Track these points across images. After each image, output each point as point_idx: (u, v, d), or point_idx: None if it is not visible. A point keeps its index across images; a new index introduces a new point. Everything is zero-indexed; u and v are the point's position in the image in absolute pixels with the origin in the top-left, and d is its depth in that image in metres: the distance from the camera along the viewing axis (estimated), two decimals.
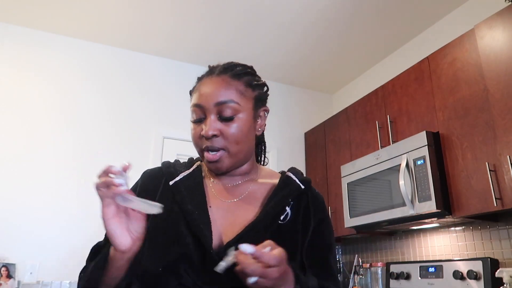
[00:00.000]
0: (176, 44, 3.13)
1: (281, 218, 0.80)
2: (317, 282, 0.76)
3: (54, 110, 2.83)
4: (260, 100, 0.88)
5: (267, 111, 0.91)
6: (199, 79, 0.86)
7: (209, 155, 0.80)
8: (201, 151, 0.82)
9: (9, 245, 2.45)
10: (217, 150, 0.79)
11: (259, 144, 0.99)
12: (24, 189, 2.59)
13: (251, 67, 0.90)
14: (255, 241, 0.73)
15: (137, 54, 3.23)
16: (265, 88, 0.92)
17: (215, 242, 0.75)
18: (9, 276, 2.34)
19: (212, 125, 0.78)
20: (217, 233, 0.77)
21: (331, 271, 0.84)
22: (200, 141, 0.81)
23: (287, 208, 0.81)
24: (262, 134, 0.96)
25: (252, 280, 0.59)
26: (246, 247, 0.59)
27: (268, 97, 0.95)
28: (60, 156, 2.75)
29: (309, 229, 0.82)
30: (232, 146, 0.80)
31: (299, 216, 0.82)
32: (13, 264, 2.39)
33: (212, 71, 0.85)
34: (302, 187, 0.85)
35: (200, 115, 0.81)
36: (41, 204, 2.59)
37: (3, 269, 2.34)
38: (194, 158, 0.95)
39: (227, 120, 0.79)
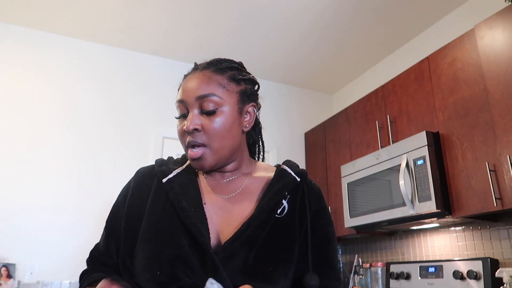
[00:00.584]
0: (176, 44, 3.13)
1: (278, 212, 0.79)
2: None
3: (54, 110, 2.83)
4: (246, 95, 0.84)
5: (256, 107, 0.87)
6: (185, 76, 0.86)
7: (191, 152, 0.78)
8: (185, 147, 0.81)
9: (9, 245, 2.45)
10: (199, 145, 0.78)
11: (255, 143, 0.95)
12: (24, 189, 2.59)
13: (239, 63, 0.89)
14: (253, 238, 0.73)
15: (137, 54, 3.23)
16: (254, 84, 0.89)
17: (212, 241, 0.74)
18: (9, 276, 2.34)
19: (193, 119, 0.77)
20: (214, 231, 0.76)
21: (330, 265, 0.82)
22: (183, 136, 0.80)
23: (284, 202, 0.80)
24: (259, 134, 0.94)
25: None
26: None
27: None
28: (60, 156, 2.76)
29: (305, 222, 0.81)
30: (214, 141, 0.78)
31: (296, 208, 0.81)
32: (13, 264, 2.39)
33: (196, 67, 0.85)
34: (298, 179, 0.84)
35: (184, 110, 0.80)
36: (41, 204, 2.59)
37: (3, 269, 2.34)
38: None
39: (209, 113, 0.78)
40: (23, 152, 2.66)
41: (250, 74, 0.89)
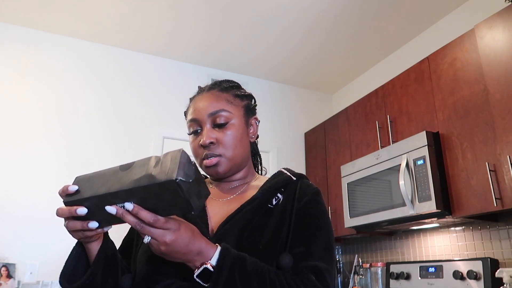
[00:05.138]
0: (177, 44, 3.13)
1: (273, 203, 0.84)
2: (270, 268, 0.73)
3: (55, 109, 2.83)
4: (249, 109, 0.95)
5: (257, 120, 0.98)
6: (191, 99, 0.95)
7: (207, 161, 0.86)
8: (200, 160, 0.88)
9: (9, 245, 2.45)
10: (215, 156, 0.86)
11: (255, 155, 1.04)
12: (24, 189, 2.59)
13: (237, 82, 0.99)
14: (243, 221, 0.79)
15: (137, 54, 3.23)
16: (252, 100, 0.99)
17: (210, 232, 0.81)
18: (9, 276, 2.34)
19: (208, 134, 0.85)
20: (212, 225, 0.83)
21: (309, 248, 0.79)
22: (199, 150, 0.88)
23: (279, 195, 0.85)
24: (257, 146, 1.03)
25: (145, 239, 0.63)
26: (128, 205, 0.61)
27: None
28: (60, 155, 2.76)
29: (293, 211, 0.84)
30: (228, 151, 0.86)
31: (289, 201, 0.85)
32: (13, 264, 2.39)
33: (202, 89, 0.95)
34: (294, 178, 0.89)
35: (196, 127, 0.89)
36: (41, 204, 2.59)
37: (3, 269, 2.34)
38: None
39: (221, 126, 0.87)
40: (23, 152, 2.66)
41: (247, 91, 0.99)
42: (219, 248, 0.69)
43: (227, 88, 0.92)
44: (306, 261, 0.76)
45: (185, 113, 0.95)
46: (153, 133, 3.08)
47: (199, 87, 0.97)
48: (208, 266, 0.66)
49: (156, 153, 3.02)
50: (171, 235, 0.63)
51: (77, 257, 0.76)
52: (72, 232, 0.69)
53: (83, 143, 2.85)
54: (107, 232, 0.77)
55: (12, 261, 2.40)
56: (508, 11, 1.91)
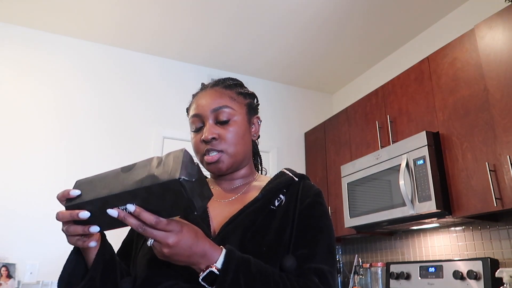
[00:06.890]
0: (177, 44, 3.13)
1: (276, 204, 0.84)
2: (274, 270, 0.72)
3: (55, 109, 2.83)
4: (252, 107, 0.95)
5: (259, 119, 0.98)
6: (194, 95, 0.95)
7: (208, 157, 0.85)
8: (201, 156, 0.88)
9: (9, 245, 2.45)
10: (216, 151, 0.85)
11: (255, 155, 1.03)
12: (24, 188, 2.59)
13: (240, 80, 0.99)
14: (246, 222, 0.78)
15: (137, 54, 3.23)
16: (255, 99, 0.99)
17: (212, 233, 0.81)
18: (9, 276, 2.34)
19: (210, 129, 0.85)
20: (214, 226, 0.83)
21: (313, 250, 0.79)
22: (200, 146, 0.87)
23: (281, 196, 0.85)
24: (257, 146, 1.03)
25: (148, 242, 0.63)
26: (130, 207, 0.61)
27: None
28: (60, 155, 2.75)
29: (296, 213, 0.83)
30: (230, 147, 0.86)
31: (291, 202, 0.85)
32: (13, 264, 2.39)
33: (205, 86, 0.95)
34: (296, 179, 0.89)
35: (199, 123, 0.88)
36: (41, 204, 2.59)
37: (3, 269, 2.34)
38: None
39: (224, 123, 0.86)
40: (23, 152, 2.66)
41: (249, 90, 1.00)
42: (224, 250, 0.68)
43: (231, 85, 0.93)
44: (309, 263, 0.77)
45: (187, 110, 0.95)
46: (153, 133, 3.08)
47: (202, 83, 0.97)
48: (214, 269, 0.65)
49: (156, 153, 3.02)
50: (173, 237, 0.62)
51: (75, 261, 0.75)
52: (71, 237, 0.68)
53: (83, 143, 2.85)
54: (105, 236, 0.76)
55: (12, 261, 2.40)
56: (508, 11, 1.91)
